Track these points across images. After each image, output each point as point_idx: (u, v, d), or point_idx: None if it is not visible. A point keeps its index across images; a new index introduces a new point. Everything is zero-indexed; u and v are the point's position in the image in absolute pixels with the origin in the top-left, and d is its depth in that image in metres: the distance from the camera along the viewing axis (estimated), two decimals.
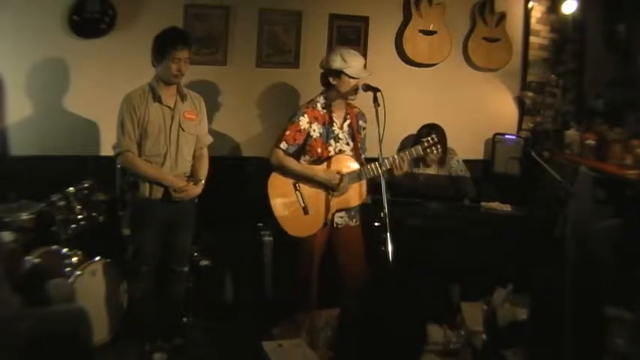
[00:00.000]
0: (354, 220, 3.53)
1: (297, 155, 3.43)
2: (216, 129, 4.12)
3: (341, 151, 3.44)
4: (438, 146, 3.44)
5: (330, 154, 3.42)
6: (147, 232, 3.30)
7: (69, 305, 2.95)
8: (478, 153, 4.75)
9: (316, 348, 2.67)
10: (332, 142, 3.43)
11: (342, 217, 3.49)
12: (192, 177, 3.37)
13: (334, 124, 3.43)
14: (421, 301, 1.68)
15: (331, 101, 3.42)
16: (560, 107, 4.72)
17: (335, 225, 3.48)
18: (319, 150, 3.41)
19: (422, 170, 4.16)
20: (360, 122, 3.53)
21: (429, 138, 3.44)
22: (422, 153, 3.45)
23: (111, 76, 3.93)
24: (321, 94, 3.45)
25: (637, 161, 3.76)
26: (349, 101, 3.45)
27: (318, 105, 3.43)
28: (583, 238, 3.35)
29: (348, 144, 3.47)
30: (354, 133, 3.48)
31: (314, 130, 3.40)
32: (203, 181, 3.38)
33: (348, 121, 3.47)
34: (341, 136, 3.45)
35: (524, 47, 4.75)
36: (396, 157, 3.37)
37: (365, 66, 3.38)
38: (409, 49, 4.45)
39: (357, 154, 3.48)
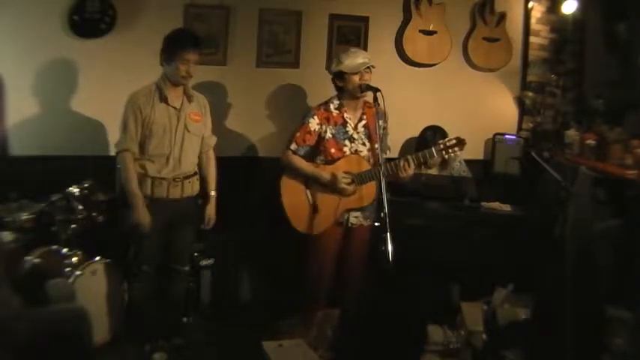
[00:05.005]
0: (368, 220, 3.53)
1: (311, 156, 3.46)
2: (217, 129, 4.11)
3: (357, 152, 3.45)
4: (456, 148, 3.32)
5: (345, 155, 3.43)
6: (147, 232, 3.30)
7: (69, 305, 2.95)
8: (478, 153, 4.74)
9: (322, 347, 2.67)
10: (347, 142, 3.44)
11: (357, 217, 3.49)
12: (202, 189, 3.39)
13: (348, 124, 3.44)
14: (421, 302, 1.68)
15: (343, 102, 3.45)
16: (560, 107, 4.72)
17: (350, 225, 3.48)
18: (332, 150, 3.42)
19: (424, 171, 4.15)
20: (380, 122, 3.48)
21: (447, 140, 3.34)
22: (435, 155, 3.34)
23: (111, 76, 3.93)
24: (335, 96, 3.49)
25: (637, 161, 3.75)
26: (366, 100, 3.43)
27: (331, 106, 3.45)
28: (583, 238, 3.35)
29: (364, 144, 3.47)
30: (371, 134, 3.47)
31: (325, 132, 3.42)
32: (214, 193, 3.44)
33: (363, 122, 3.47)
34: (355, 136, 3.45)
35: (524, 47, 4.74)
36: (406, 158, 3.33)
37: (369, 60, 3.35)
38: (409, 49, 4.45)
39: (374, 155, 3.46)
